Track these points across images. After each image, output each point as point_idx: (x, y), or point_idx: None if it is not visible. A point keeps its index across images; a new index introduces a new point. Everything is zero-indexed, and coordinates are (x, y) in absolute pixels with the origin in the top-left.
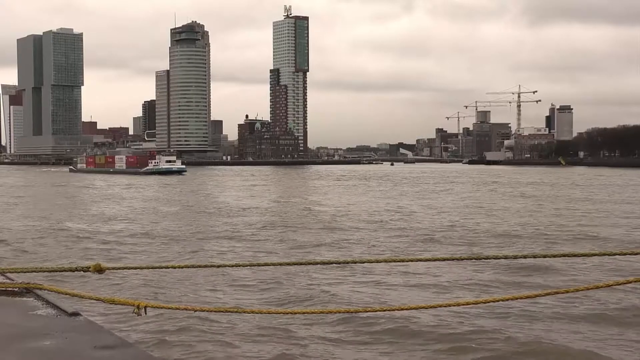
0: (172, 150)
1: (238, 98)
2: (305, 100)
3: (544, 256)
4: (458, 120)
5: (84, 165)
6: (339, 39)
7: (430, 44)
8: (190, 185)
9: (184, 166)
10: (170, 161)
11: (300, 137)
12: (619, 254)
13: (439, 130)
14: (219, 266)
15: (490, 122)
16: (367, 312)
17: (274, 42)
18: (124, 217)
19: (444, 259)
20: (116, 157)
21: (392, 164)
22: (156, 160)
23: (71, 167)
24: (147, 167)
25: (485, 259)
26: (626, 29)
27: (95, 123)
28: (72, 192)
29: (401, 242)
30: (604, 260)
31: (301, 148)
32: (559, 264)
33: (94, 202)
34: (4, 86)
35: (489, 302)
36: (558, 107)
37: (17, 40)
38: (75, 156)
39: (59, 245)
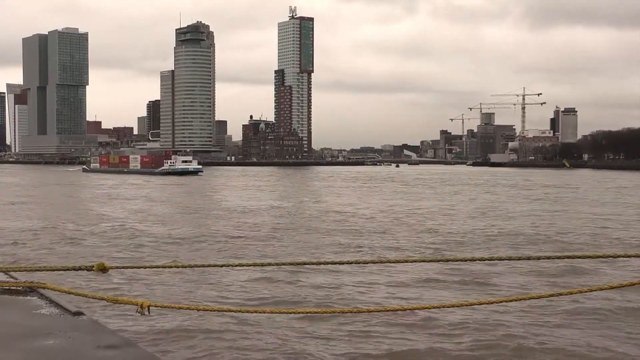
0: (187, 150)
1: (242, 98)
2: (309, 101)
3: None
4: (462, 122)
5: (98, 164)
6: (342, 41)
7: (432, 46)
8: (203, 186)
9: (200, 166)
10: (186, 161)
11: (304, 138)
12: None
13: (443, 132)
14: (222, 265)
15: (495, 124)
16: (371, 312)
17: (278, 42)
18: (130, 217)
19: (448, 260)
20: (131, 156)
21: (397, 166)
22: (172, 160)
23: (84, 166)
24: (163, 167)
25: (489, 259)
26: (629, 31)
27: (99, 123)
28: (83, 192)
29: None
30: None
31: (305, 149)
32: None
33: (103, 202)
34: (9, 85)
35: (502, 302)
36: (562, 109)
37: (23, 39)
38: (81, 155)
39: (63, 244)
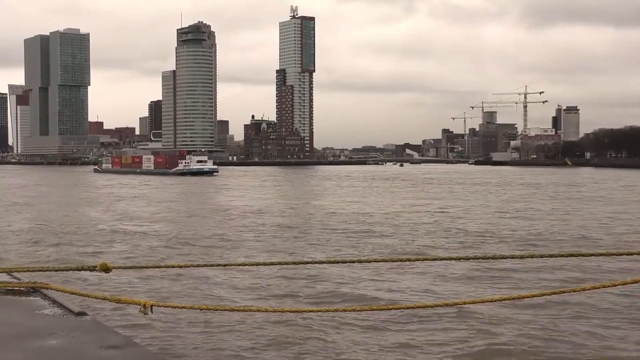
0: (202, 150)
1: (244, 98)
2: (311, 100)
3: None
4: (464, 120)
5: (110, 165)
6: (342, 41)
7: (432, 46)
8: (217, 186)
9: (215, 167)
10: (201, 161)
11: (306, 138)
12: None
13: (445, 131)
14: (225, 265)
15: (497, 122)
16: (373, 310)
17: (280, 42)
18: (135, 217)
19: (450, 259)
20: (144, 157)
21: (401, 165)
22: (186, 161)
23: (96, 167)
24: (177, 168)
25: (492, 258)
26: (628, 30)
27: (101, 123)
28: (93, 192)
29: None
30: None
31: (307, 148)
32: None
33: (111, 202)
34: (11, 86)
35: (501, 299)
36: (564, 107)
37: (24, 40)
38: (83, 156)
39: (66, 244)
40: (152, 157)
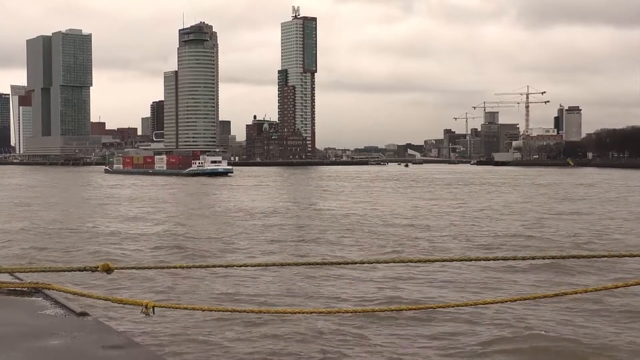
0: (216, 150)
1: (246, 99)
2: (313, 101)
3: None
4: (466, 121)
5: (121, 165)
6: (342, 41)
7: (433, 45)
8: (224, 187)
9: (230, 167)
10: (215, 161)
11: (308, 138)
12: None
13: (447, 131)
14: (227, 266)
15: (499, 122)
16: (375, 312)
17: (282, 43)
18: (142, 218)
19: (452, 260)
20: (156, 157)
21: (406, 165)
22: (200, 161)
23: (106, 167)
24: (190, 168)
25: (494, 259)
26: (627, 30)
27: (103, 123)
28: (102, 193)
29: None
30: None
31: (309, 149)
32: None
33: (117, 204)
34: (13, 87)
35: (507, 301)
36: (567, 107)
37: (27, 41)
38: (85, 156)
39: (69, 244)
40: (164, 157)
